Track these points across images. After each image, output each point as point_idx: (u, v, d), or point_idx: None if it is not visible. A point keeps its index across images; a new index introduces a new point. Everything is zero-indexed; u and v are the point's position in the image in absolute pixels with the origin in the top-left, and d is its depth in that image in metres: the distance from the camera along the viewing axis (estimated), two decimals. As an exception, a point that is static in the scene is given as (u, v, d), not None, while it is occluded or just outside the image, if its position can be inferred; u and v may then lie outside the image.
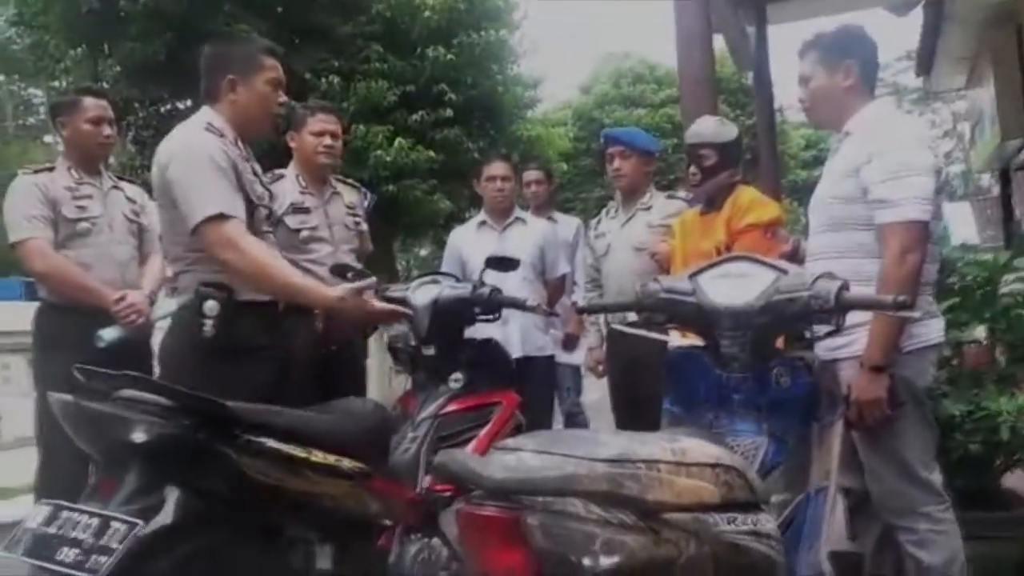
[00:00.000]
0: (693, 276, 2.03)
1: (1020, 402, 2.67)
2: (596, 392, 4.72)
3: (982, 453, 2.74)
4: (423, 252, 20.43)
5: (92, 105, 3.12)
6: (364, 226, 3.49)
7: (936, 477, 2.23)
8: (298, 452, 1.80)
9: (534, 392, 3.35)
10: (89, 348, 2.87)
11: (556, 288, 3.96)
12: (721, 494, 1.22)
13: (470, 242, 3.87)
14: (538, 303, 2.74)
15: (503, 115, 8.96)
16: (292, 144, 3.27)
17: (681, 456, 1.19)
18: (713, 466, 1.24)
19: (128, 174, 9.25)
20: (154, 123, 8.62)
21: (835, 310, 1.83)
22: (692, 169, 2.96)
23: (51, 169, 3.07)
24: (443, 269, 4.08)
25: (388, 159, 7.63)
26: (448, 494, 2.35)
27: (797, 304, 1.86)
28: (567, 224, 4.77)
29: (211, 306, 2.21)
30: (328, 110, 3.32)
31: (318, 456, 1.84)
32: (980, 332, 2.97)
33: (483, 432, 2.55)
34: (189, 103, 8.69)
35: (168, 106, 9.15)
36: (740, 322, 1.90)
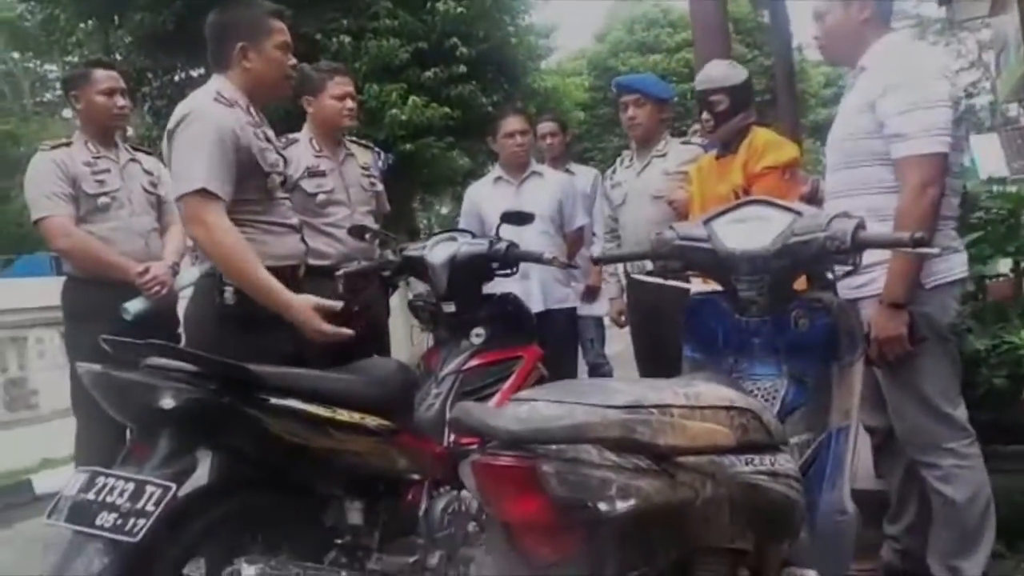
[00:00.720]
0: (708, 222, 2.02)
1: (1047, 335, 2.65)
2: (619, 343, 4.74)
3: (1007, 387, 2.71)
4: (444, 210, 20.41)
5: (103, 77, 3.13)
6: (380, 187, 3.49)
7: (960, 412, 2.22)
8: (323, 412, 1.83)
9: (557, 345, 3.37)
10: (116, 320, 2.94)
11: (575, 240, 3.95)
12: (736, 436, 1.23)
13: (487, 197, 3.86)
14: (555, 256, 2.73)
15: (517, 67, 8.83)
16: (309, 108, 3.26)
17: (695, 400, 1.20)
18: (727, 408, 1.25)
19: (146, 145, 9.31)
20: (168, 92, 8.62)
21: (851, 250, 1.82)
22: (705, 115, 2.92)
23: (68, 144, 3.10)
24: (461, 225, 4.09)
25: (403, 118, 7.57)
26: (474, 447, 2.40)
27: (813, 246, 1.85)
28: (584, 175, 4.72)
29: None
30: (344, 72, 3.30)
31: (343, 415, 1.88)
32: (1004, 266, 2.93)
33: (505, 386, 2.57)
34: (202, 71, 8.67)
35: (181, 75, 9.14)
36: (757, 266, 1.89)
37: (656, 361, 3.28)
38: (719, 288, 2.06)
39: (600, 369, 4.81)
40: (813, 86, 23.90)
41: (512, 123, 3.81)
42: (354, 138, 3.49)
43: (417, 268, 2.70)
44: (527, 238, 3.68)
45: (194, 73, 8.83)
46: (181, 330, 3.07)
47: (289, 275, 2.45)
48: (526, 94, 9.16)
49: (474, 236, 2.76)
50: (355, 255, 3.26)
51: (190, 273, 3.14)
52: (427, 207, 15.62)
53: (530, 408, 1.11)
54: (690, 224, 2.07)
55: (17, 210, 20.54)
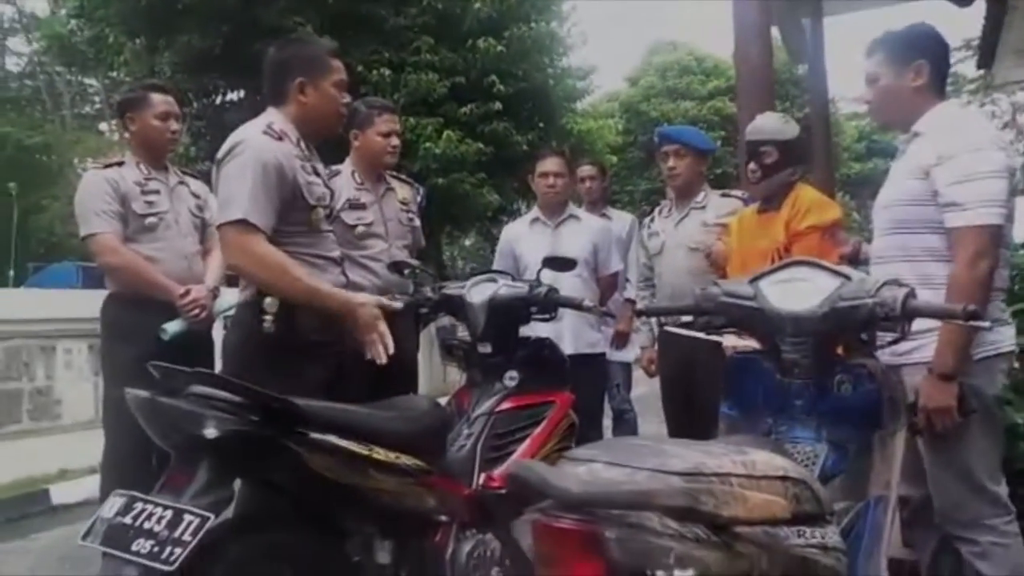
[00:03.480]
0: (753, 281, 2.02)
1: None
2: (642, 386, 4.71)
3: (1045, 462, 2.66)
4: (467, 242, 20.56)
5: (160, 101, 3.20)
6: (417, 222, 3.53)
7: (1002, 489, 2.18)
8: (361, 449, 1.83)
9: (585, 389, 3.33)
10: (154, 339, 2.97)
11: (608, 285, 3.96)
12: (791, 507, 1.22)
13: (523, 238, 3.88)
14: (594, 304, 2.73)
15: (552, 108, 8.89)
16: (355, 142, 3.30)
17: (751, 469, 1.18)
18: (783, 479, 1.23)
19: (182, 163, 9.44)
20: (208, 113, 8.76)
21: (901, 318, 1.80)
22: (752, 166, 2.91)
23: (120, 164, 3.16)
24: (495, 263, 4.10)
25: (437, 152, 7.63)
26: (503, 491, 2.38)
27: (862, 311, 1.83)
28: (620, 220, 4.75)
29: (271, 303, 2.26)
30: (392, 110, 3.36)
31: (379, 453, 1.88)
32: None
33: (537, 431, 2.56)
34: (241, 93, 8.82)
35: (221, 96, 9.29)
36: (802, 328, 1.87)
37: (685, 412, 3.26)
38: (756, 345, 2.05)
39: (625, 415, 4.78)
40: (846, 140, 23.93)
41: (549, 164, 3.83)
42: (395, 173, 3.53)
43: (455, 307, 2.70)
44: (562, 281, 3.70)
45: (233, 96, 9.00)
46: (218, 354, 3.10)
47: None
48: (560, 135, 9.23)
49: (512, 278, 2.75)
50: (390, 288, 3.29)
51: (229, 297, 3.18)
52: (452, 239, 15.66)
53: (589, 470, 1.10)
54: (735, 281, 2.06)
55: (49, 219, 20.94)
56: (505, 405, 2.57)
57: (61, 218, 20.80)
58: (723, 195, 3.43)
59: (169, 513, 1.60)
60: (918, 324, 1.92)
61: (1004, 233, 2.12)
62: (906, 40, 2.32)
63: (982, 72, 10.44)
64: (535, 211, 3.95)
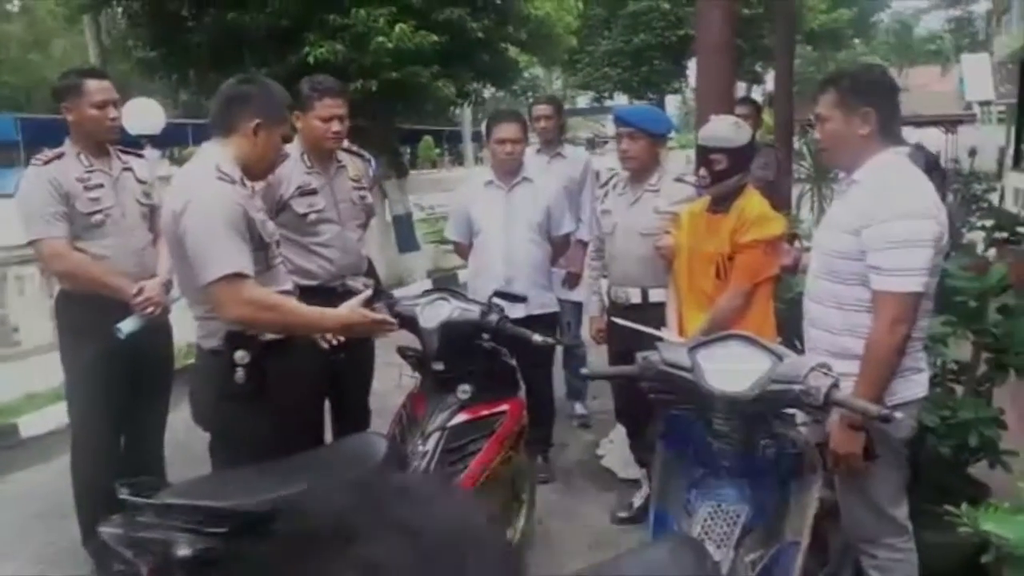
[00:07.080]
0: (693, 350, 2.14)
1: (993, 413, 2.86)
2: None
3: (952, 456, 2.92)
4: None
5: (96, 89, 3.06)
6: (369, 198, 3.52)
7: (902, 512, 2.43)
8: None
9: (538, 349, 3.49)
10: (111, 336, 3.02)
11: (561, 244, 4.05)
12: None
13: (478, 201, 3.90)
14: (544, 338, 2.82)
15: (510, -10, 8.46)
16: (298, 123, 3.22)
17: None
18: None
19: (127, 60, 8.81)
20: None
21: (823, 407, 1.97)
22: (703, 172, 2.95)
23: (60, 157, 3.05)
24: (450, 224, 4.14)
25: (390, 46, 7.30)
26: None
27: (788, 396, 1.99)
28: (575, 159, 4.77)
29: (242, 355, 2.32)
30: (336, 93, 3.24)
31: (342, 528, 2.02)
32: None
33: (487, 444, 2.72)
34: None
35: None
36: (734, 408, 2.04)
37: (632, 386, 3.43)
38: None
39: (575, 350, 4.99)
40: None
41: (506, 130, 3.78)
42: (347, 146, 3.46)
43: (408, 324, 2.78)
44: (515, 245, 3.78)
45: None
46: (175, 338, 3.13)
47: (287, 338, 2.54)
48: (517, 21, 8.83)
49: (466, 298, 2.82)
50: (343, 273, 3.33)
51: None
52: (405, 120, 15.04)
53: None
54: (675, 349, 2.18)
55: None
56: (458, 419, 2.72)
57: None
58: (677, 180, 3.46)
59: None
60: (838, 367, 2.07)
61: (927, 288, 2.23)
62: (856, 85, 2.33)
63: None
64: (489, 174, 3.94)
